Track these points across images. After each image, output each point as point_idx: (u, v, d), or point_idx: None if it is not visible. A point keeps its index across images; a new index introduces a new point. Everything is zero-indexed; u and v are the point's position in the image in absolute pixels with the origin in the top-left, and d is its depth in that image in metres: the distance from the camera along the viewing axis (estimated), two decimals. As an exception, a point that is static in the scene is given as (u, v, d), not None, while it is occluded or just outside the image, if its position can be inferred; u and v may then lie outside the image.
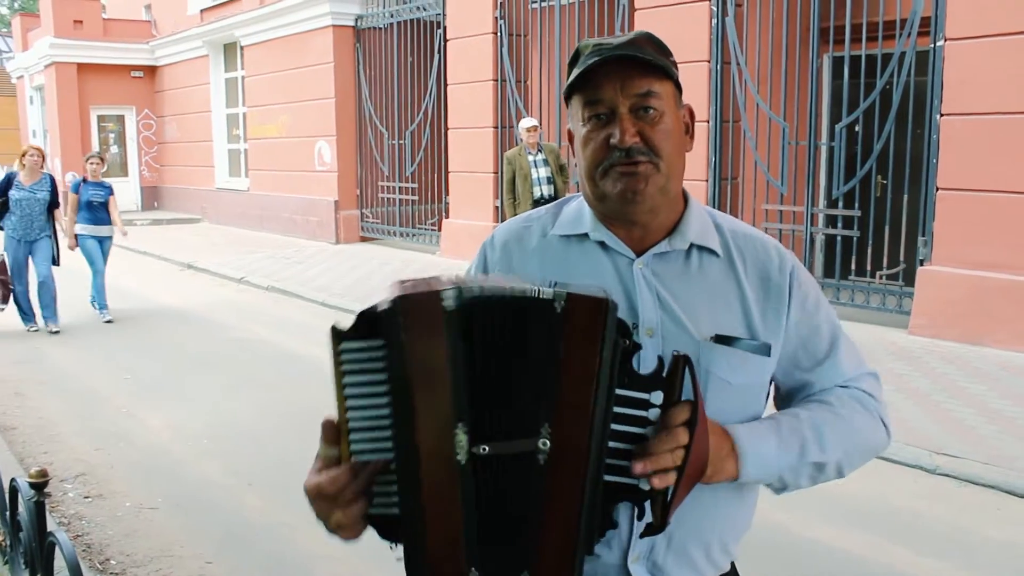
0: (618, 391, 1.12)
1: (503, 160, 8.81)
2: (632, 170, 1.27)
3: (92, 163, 9.09)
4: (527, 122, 8.54)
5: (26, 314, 8.43)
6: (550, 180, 8.39)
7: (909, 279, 7.47)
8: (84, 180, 8.98)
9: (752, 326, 1.33)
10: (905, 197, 7.57)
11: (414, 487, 1.13)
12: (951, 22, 6.83)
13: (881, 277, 7.76)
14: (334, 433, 1.15)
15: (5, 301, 8.26)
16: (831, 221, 8.16)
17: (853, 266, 7.86)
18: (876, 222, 7.71)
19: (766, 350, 1.32)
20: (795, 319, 1.37)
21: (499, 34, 11.23)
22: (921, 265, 7.25)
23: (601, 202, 1.33)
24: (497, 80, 11.34)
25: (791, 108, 8.18)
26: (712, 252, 1.36)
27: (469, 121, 11.74)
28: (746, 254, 1.38)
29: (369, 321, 1.12)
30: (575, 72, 1.30)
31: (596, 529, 1.14)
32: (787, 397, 1.43)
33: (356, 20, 14.03)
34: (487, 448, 1.11)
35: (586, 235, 1.38)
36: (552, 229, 1.42)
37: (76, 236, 8.91)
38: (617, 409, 1.12)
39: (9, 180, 8.25)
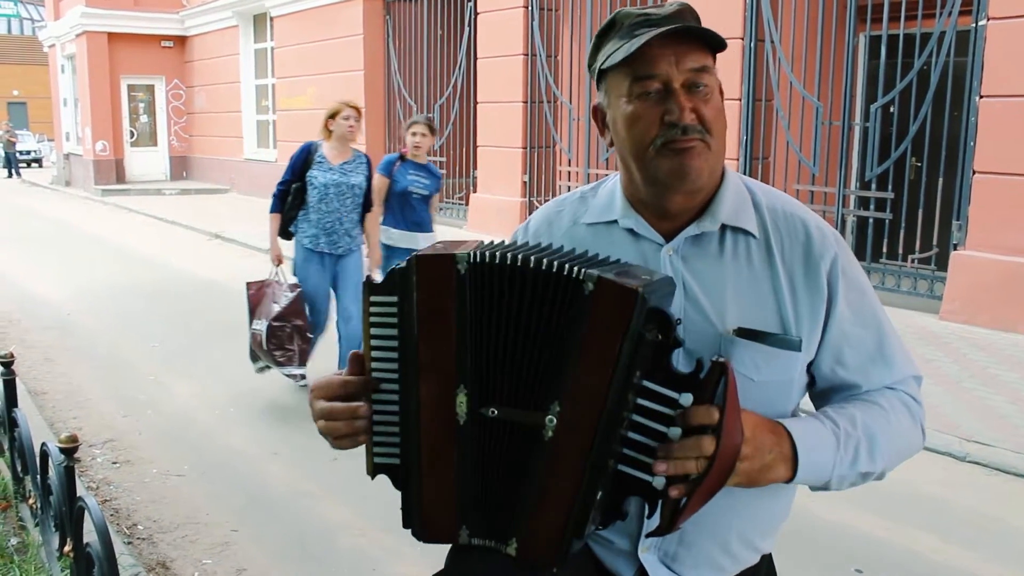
0: (647, 384, 1.09)
1: None
2: (686, 145, 1.21)
3: (417, 132, 5.77)
4: None
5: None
6: None
7: (942, 263, 7.35)
8: (401, 157, 5.80)
9: (784, 318, 1.26)
10: (940, 180, 7.44)
11: (414, 440, 1.16)
12: (994, 1, 6.66)
13: (913, 261, 7.65)
14: (359, 367, 1.20)
15: (303, 363, 5.26)
16: (863, 203, 8.05)
17: (885, 249, 7.74)
18: (909, 205, 7.59)
19: (796, 345, 1.25)
20: (838, 313, 1.28)
21: (530, 8, 11.12)
22: (955, 249, 7.13)
23: (648, 184, 1.26)
24: (527, 55, 11.24)
25: (825, 87, 8.04)
26: (748, 233, 1.28)
27: (498, 95, 11.66)
28: (784, 236, 1.29)
29: (397, 277, 1.16)
30: (626, 45, 1.21)
31: (594, 514, 1.12)
32: (826, 392, 1.35)
33: (386, -8, 13.96)
34: (496, 411, 1.12)
35: (615, 222, 1.33)
36: (583, 217, 1.37)
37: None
38: (643, 402, 1.09)
39: (308, 154, 5.28)
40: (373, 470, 1.21)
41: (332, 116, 5.31)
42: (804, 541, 3.49)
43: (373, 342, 1.17)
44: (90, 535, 2.51)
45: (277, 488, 4.15)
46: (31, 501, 3.46)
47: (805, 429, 1.22)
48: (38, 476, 3.19)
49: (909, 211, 7.60)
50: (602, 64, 1.26)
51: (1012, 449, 4.40)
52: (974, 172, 6.92)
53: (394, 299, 1.15)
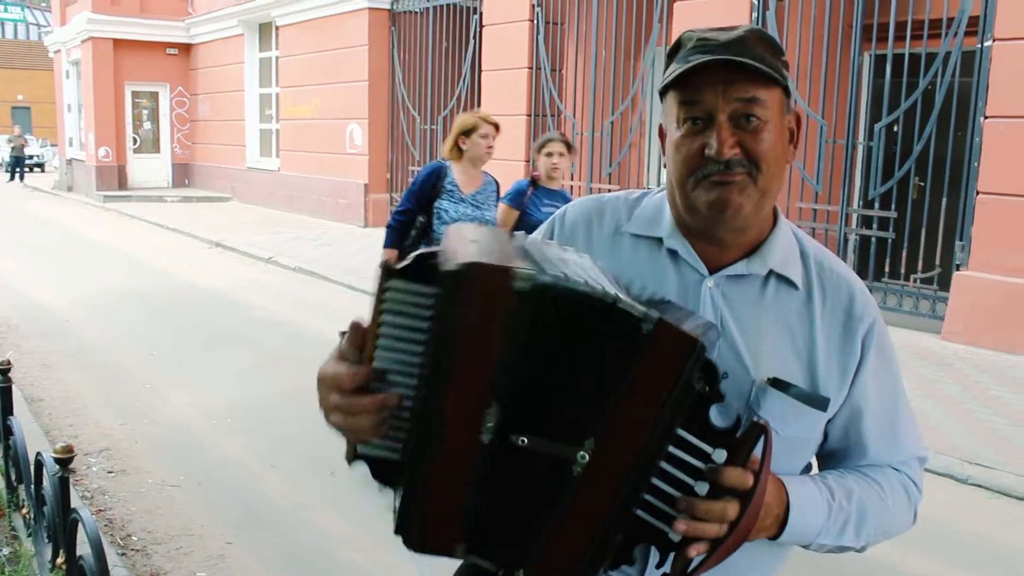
0: (682, 434, 1.05)
1: None
2: (728, 179, 1.16)
3: (553, 151, 4.90)
4: None
5: None
6: None
7: (944, 284, 7.33)
8: (533, 183, 4.95)
9: (815, 374, 1.23)
10: (943, 200, 7.43)
11: (429, 447, 1.09)
12: (1000, 22, 6.67)
13: (915, 281, 7.62)
14: (360, 339, 1.09)
15: None
16: (866, 222, 8.03)
17: (887, 269, 7.72)
18: (912, 224, 7.57)
19: (824, 404, 1.21)
20: (864, 379, 1.25)
21: (535, 22, 11.14)
22: (957, 270, 7.11)
23: (690, 214, 1.22)
24: (532, 68, 11.26)
25: (830, 106, 8.05)
26: (791, 284, 1.24)
27: (502, 108, 11.66)
28: (828, 293, 1.25)
29: (425, 268, 1.08)
30: (674, 69, 1.17)
31: (607, 555, 1.09)
32: (835, 453, 1.32)
33: (391, 3, 14.00)
34: (526, 440, 1.07)
35: (660, 240, 1.28)
36: (626, 224, 1.31)
37: None
38: (675, 451, 1.06)
39: (437, 176, 4.57)
40: (352, 456, 1.14)
41: (465, 132, 4.49)
42: (804, 565, 3.45)
43: (383, 330, 1.09)
44: (83, 547, 2.48)
45: (274, 500, 4.11)
46: (24, 511, 3.43)
47: (803, 494, 1.19)
48: (32, 486, 3.16)
49: (912, 231, 7.59)
50: (661, 85, 1.22)
51: (1014, 472, 4.37)
52: (977, 192, 6.91)
53: (430, 291, 1.07)
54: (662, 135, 1.27)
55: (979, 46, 6.93)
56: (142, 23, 20.16)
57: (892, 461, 1.32)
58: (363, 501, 3.96)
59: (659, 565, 1.11)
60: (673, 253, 1.27)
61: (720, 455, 1.04)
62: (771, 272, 1.24)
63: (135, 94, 20.80)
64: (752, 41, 1.17)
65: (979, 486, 4.33)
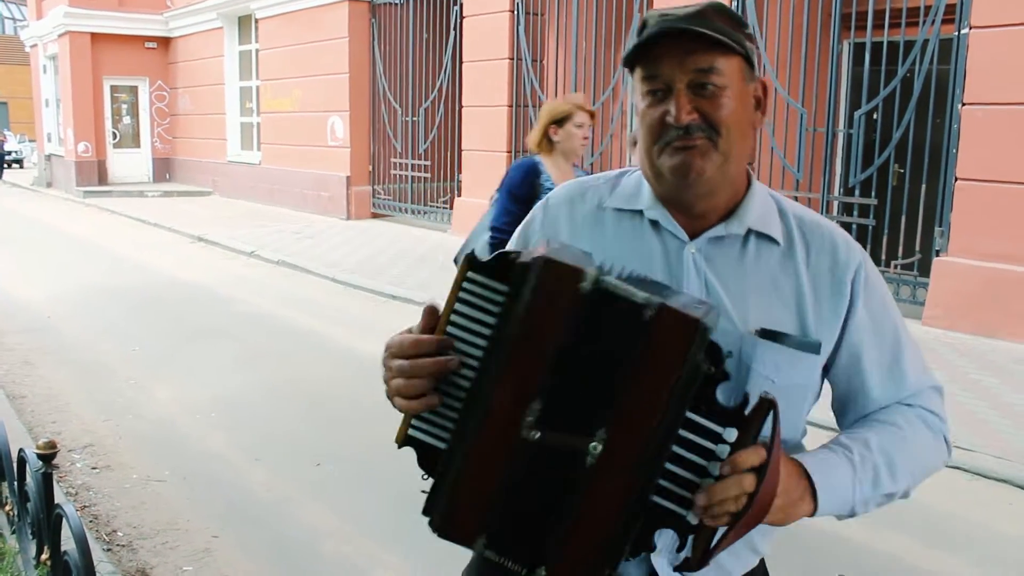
0: (692, 417, 1.06)
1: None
2: (689, 144, 1.21)
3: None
4: None
5: None
6: None
7: (924, 270, 7.40)
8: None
9: (805, 322, 1.26)
10: (923, 187, 7.49)
11: (470, 436, 1.11)
12: (976, 10, 6.72)
13: (896, 267, 7.69)
14: (432, 322, 1.12)
15: None
16: (847, 209, 8.08)
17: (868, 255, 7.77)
18: (892, 211, 7.63)
19: (816, 348, 1.24)
20: (858, 321, 1.28)
21: (516, 12, 11.13)
22: (937, 256, 7.18)
23: (658, 180, 1.27)
24: (513, 59, 11.24)
25: (809, 94, 8.08)
26: (772, 240, 1.28)
27: (484, 99, 11.66)
28: (811, 244, 1.29)
29: (504, 265, 1.10)
30: (632, 43, 1.23)
31: (626, 545, 1.09)
32: (844, 400, 1.35)
33: (372, -5, 13.95)
34: (538, 434, 1.08)
35: (641, 212, 1.32)
36: (608, 200, 1.35)
37: None
38: (685, 434, 1.06)
39: (533, 173, 4.01)
40: (403, 440, 1.15)
41: (558, 122, 3.97)
42: (788, 546, 3.49)
43: (454, 317, 1.11)
44: (68, 543, 2.48)
45: (259, 494, 4.11)
46: (8, 508, 3.41)
47: (818, 460, 1.21)
48: (15, 483, 3.15)
49: (892, 217, 7.65)
50: (623, 60, 1.27)
51: (993, 454, 4.43)
52: (956, 179, 6.97)
53: (493, 284, 1.10)
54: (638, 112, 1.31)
55: (956, 34, 6.98)
56: (120, 16, 19.98)
57: (901, 397, 1.32)
58: (349, 494, 3.96)
59: (679, 549, 1.12)
60: (655, 223, 1.31)
61: (731, 434, 1.05)
62: (750, 231, 1.28)
63: (114, 88, 20.62)
64: (710, 14, 1.21)
65: (958, 468, 4.38)
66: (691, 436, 1.06)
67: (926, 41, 7.19)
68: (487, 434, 1.10)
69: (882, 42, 7.48)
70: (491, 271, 1.11)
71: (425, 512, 1.14)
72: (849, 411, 1.35)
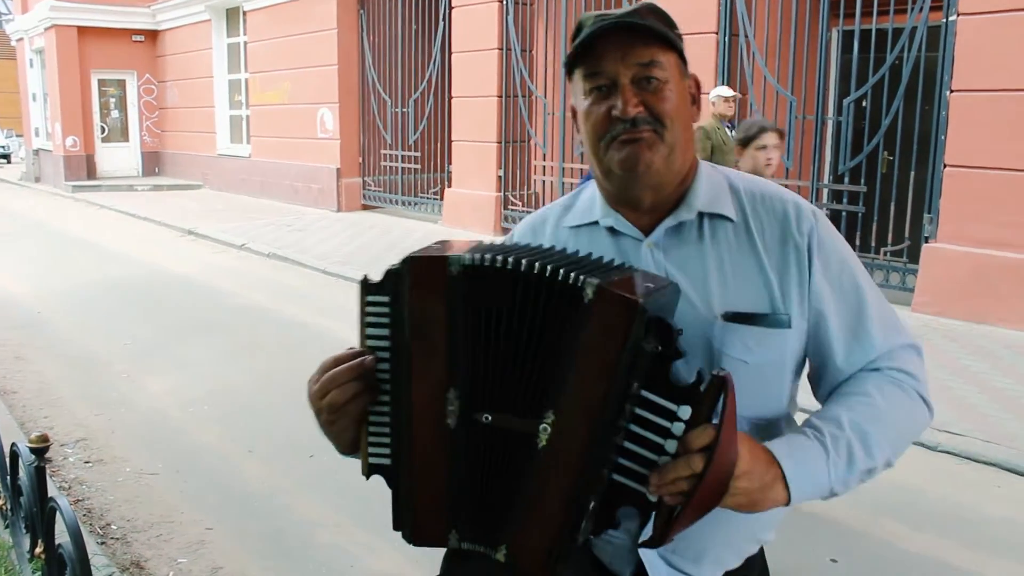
0: (646, 395, 1.07)
1: (700, 132, 7.27)
2: (636, 136, 1.23)
3: (769, 143, 3.89)
4: (724, 91, 7.14)
5: None
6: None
7: (913, 256, 7.43)
8: None
9: (772, 296, 1.26)
10: (912, 173, 7.51)
11: (405, 443, 1.15)
12: (964, -4, 6.73)
13: (885, 254, 7.72)
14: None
15: None
16: (836, 196, 8.11)
17: (857, 242, 7.80)
18: (882, 198, 7.66)
19: (785, 322, 1.25)
20: (816, 285, 1.27)
21: (504, 2, 11.10)
22: (926, 242, 7.21)
23: (607, 178, 1.29)
24: (502, 49, 11.22)
25: (799, 82, 8.10)
26: (726, 218, 1.29)
27: (473, 90, 11.64)
28: (763, 215, 1.30)
29: (392, 278, 1.15)
30: (575, 43, 1.25)
31: (586, 524, 1.11)
32: (815, 369, 1.34)
33: (360, -14, 13.89)
34: (490, 417, 1.11)
35: (596, 223, 1.34)
36: (565, 220, 1.39)
37: None
38: (641, 413, 1.08)
39: None
40: (368, 470, 1.20)
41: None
42: (779, 532, 3.51)
43: (368, 343, 1.16)
44: (62, 536, 2.48)
45: (253, 485, 4.12)
46: (1, 502, 3.41)
47: (788, 446, 1.19)
48: (8, 477, 3.14)
49: (881, 204, 7.67)
50: (565, 64, 1.29)
51: (982, 439, 4.46)
52: (945, 165, 6.99)
53: (384, 299, 1.14)
54: (574, 114, 1.33)
55: (944, 20, 6.99)
56: (106, 10, 19.83)
57: (870, 360, 1.30)
58: (341, 484, 3.97)
59: (642, 526, 1.14)
60: (611, 230, 1.33)
61: (685, 411, 1.06)
62: (702, 214, 1.29)
63: (102, 82, 20.48)
64: (645, 13, 1.25)
65: (948, 452, 4.42)
66: (646, 414, 1.08)
67: (914, 28, 7.20)
68: (419, 435, 1.14)
69: (871, 30, 7.49)
70: (381, 288, 1.15)
71: (395, 527, 1.19)
72: (822, 381, 1.34)
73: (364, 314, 1.16)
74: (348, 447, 1.22)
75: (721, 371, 1.05)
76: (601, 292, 1.05)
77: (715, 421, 1.05)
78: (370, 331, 1.16)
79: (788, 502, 1.18)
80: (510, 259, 1.10)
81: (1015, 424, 4.65)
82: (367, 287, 1.15)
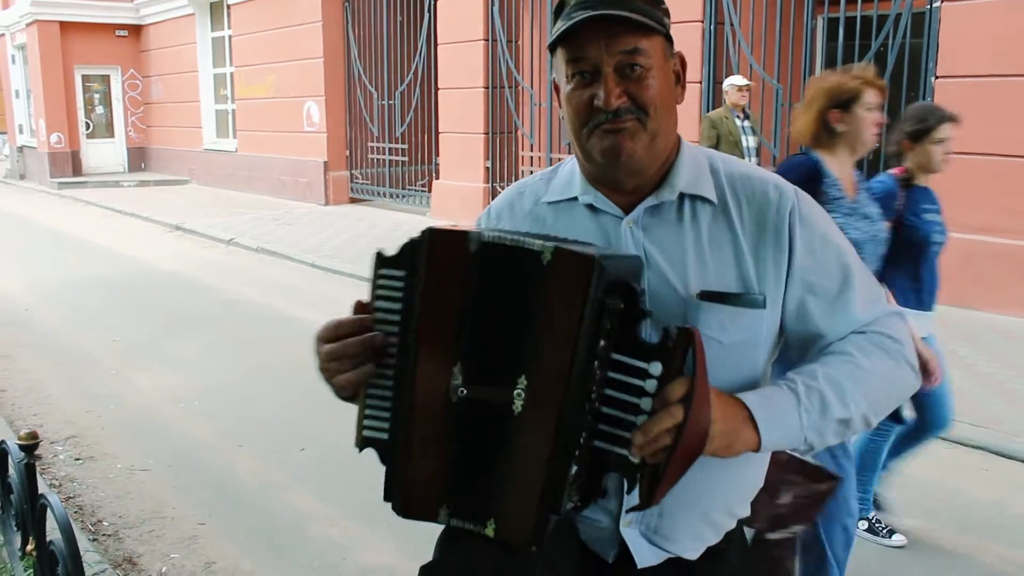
0: (617, 357, 1.09)
1: (706, 122, 7.49)
2: (618, 126, 1.23)
3: (946, 136, 3.44)
4: (737, 80, 7.13)
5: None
6: (759, 152, 7.22)
7: (900, 242, 7.45)
8: (906, 183, 3.39)
9: (747, 278, 1.27)
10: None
11: (406, 416, 1.16)
12: (947, -18, 6.75)
13: (872, 240, 7.74)
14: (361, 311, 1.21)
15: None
16: (823, 184, 8.12)
17: (844, 229, 7.84)
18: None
19: (760, 303, 1.26)
20: (800, 263, 1.28)
21: (490, -7, 11.07)
22: (912, 228, 7.23)
23: (588, 161, 1.30)
24: (488, 40, 11.19)
25: (785, 69, 8.11)
26: (706, 200, 1.30)
27: (459, 81, 11.62)
28: (742, 197, 1.30)
29: (408, 251, 1.16)
30: (559, 26, 1.24)
31: (570, 491, 1.12)
32: (801, 348, 1.34)
33: (344, -22, 13.83)
34: (465, 391, 1.12)
35: (575, 199, 1.34)
36: (545, 196, 1.39)
37: None
38: (614, 375, 1.10)
39: (814, 176, 2.71)
40: (362, 443, 1.20)
41: (842, 105, 2.79)
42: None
43: (377, 315, 1.18)
44: (53, 533, 2.48)
45: (244, 479, 4.12)
46: (-8, 500, 3.40)
47: (757, 393, 1.22)
48: (-2, 474, 3.13)
49: (868, 191, 7.69)
50: (548, 43, 1.29)
51: (969, 422, 4.49)
52: (930, 152, 7.02)
53: (398, 272, 1.16)
54: (556, 90, 1.33)
55: (928, 7, 7.02)
56: (89, 4, 19.68)
57: (852, 329, 1.31)
58: (333, 477, 3.98)
59: (629, 491, 1.15)
60: (591, 207, 1.33)
61: (656, 367, 1.08)
62: (683, 195, 1.30)
63: (85, 78, 20.34)
64: None
65: (937, 437, 4.44)
66: (619, 376, 1.10)
67: (899, 15, 7.22)
68: (421, 407, 1.15)
69: (855, 17, 7.51)
70: (396, 261, 1.16)
71: (386, 498, 1.19)
72: (808, 355, 1.34)
73: (376, 287, 1.18)
74: (347, 397, 1.24)
75: (686, 324, 1.08)
76: (559, 252, 1.08)
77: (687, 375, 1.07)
78: (379, 303, 1.18)
79: (759, 444, 1.19)
80: (503, 234, 1.13)
81: (1003, 408, 4.69)
82: (382, 260, 1.17)
